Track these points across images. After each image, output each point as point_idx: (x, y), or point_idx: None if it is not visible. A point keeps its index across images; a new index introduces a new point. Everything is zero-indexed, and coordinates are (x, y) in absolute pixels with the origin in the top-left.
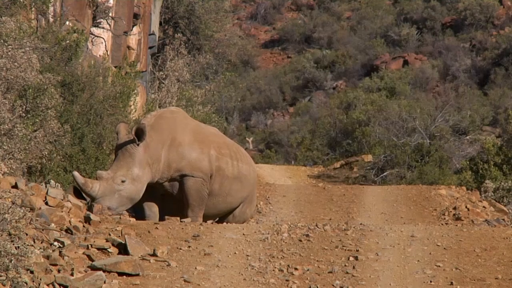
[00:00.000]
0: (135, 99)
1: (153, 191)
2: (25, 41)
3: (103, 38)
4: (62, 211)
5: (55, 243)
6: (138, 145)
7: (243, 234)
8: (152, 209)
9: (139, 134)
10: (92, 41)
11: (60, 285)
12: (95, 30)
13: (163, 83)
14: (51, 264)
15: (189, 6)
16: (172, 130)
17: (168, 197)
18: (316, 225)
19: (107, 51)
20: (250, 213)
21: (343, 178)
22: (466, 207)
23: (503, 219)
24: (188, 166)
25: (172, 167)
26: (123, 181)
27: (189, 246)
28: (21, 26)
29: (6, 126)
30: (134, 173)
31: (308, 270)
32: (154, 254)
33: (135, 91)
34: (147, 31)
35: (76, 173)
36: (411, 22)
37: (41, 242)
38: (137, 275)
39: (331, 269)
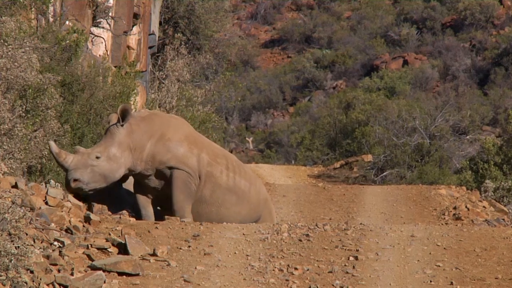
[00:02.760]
0: (135, 99)
1: (146, 190)
2: (25, 41)
3: (103, 38)
4: (62, 211)
5: (55, 243)
6: (122, 126)
7: (243, 234)
8: (147, 208)
9: (124, 114)
10: (92, 41)
11: (60, 285)
12: (95, 30)
13: (163, 83)
14: (51, 264)
15: (189, 6)
16: (163, 126)
17: (163, 197)
18: (316, 225)
19: (107, 51)
20: None
21: (343, 178)
22: (466, 207)
23: (503, 219)
24: (174, 159)
25: (156, 159)
26: (97, 157)
27: (189, 246)
28: (21, 26)
29: (6, 126)
30: (111, 152)
31: (308, 270)
32: (154, 254)
33: (135, 91)
34: (147, 31)
35: (51, 142)
36: (411, 22)
37: (41, 242)
38: (137, 275)
39: (331, 269)
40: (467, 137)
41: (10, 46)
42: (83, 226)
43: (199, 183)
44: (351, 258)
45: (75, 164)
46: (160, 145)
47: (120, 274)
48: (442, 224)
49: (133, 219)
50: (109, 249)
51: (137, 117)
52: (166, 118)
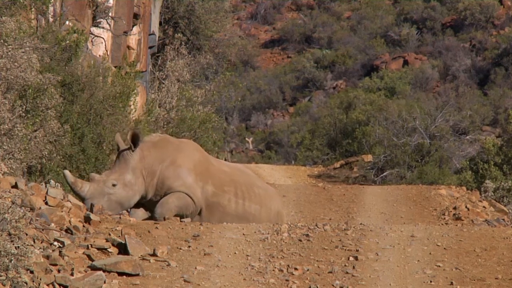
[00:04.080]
0: (135, 99)
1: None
2: (25, 41)
3: (103, 38)
4: (62, 211)
5: (55, 243)
6: (133, 151)
7: (243, 234)
8: (137, 211)
9: (134, 139)
10: (92, 41)
11: (60, 285)
12: (95, 30)
13: (163, 83)
14: (51, 264)
15: (189, 6)
16: (174, 153)
17: None
18: (316, 225)
19: (107, 51)
20: None
21: (343, 178)
22: (466, 207)
23: (503, 219)
24: (183, 187)
25: (165, 184)
26: (114, 185)
27: (189, 246)
28: (21, 26)
29: (6, 126)
30: (126, 179)
31: (308, 270)
32: (154, 254)
33: (135, 91)
34: (147, 31)
35: (66, 172)
36: (411, 22)
37: (41, 242)
38: (137, 275)
39: (331, 269)
40: (467, 137)
41: (10, 46)
42: (83, 226)
43: (204, 212)
44: (351, 258)
45: (91, 193)
46: (170, 170)
47: (120, 274)
48: (442, 224)
49: (133, 219)
50: (109, 249)
51: (148, 142)
52: (176, 143)
